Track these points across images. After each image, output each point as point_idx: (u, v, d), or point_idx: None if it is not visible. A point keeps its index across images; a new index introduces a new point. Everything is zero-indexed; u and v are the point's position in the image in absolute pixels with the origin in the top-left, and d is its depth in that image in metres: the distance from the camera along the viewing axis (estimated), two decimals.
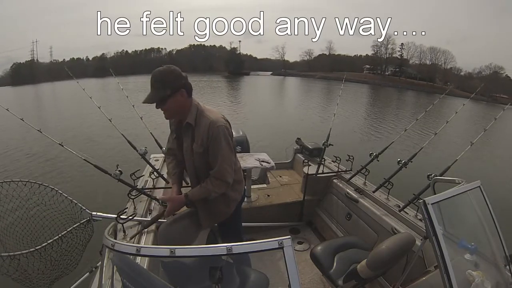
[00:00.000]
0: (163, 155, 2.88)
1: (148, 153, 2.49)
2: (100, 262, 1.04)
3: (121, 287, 0.96)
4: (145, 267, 1.24)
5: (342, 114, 12.63)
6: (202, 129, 1.43)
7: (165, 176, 2.45)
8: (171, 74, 1.37)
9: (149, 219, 1.86)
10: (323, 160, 2.84)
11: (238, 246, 0.80)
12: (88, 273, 1.87)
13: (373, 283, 1.90)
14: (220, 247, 0.79)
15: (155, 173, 2.36)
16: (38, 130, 2.01)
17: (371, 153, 2.58)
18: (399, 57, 53.35)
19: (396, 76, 51.39)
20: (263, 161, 2.68)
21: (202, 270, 0.93)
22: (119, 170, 1.88)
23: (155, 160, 2.80)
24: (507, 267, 1.33)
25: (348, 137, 9.47)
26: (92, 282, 1.30)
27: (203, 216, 1.61)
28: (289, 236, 0.80)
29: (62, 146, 1.98)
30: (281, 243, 0.79)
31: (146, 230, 1.77)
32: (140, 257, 1.16)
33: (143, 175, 2.45)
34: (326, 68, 54.77)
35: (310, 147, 3.26)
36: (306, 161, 2.94)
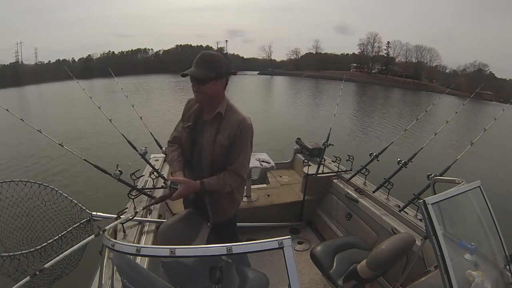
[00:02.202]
0: (163, 155, 2.88)
1: (148, 153, 2.49)
2: (100, 262, 1.04)
3: (121, 287, 0.96)
4: (145, 267, 1.24)
5: (340, 113, 12.61)
6: (232, 123, 1.43)
7: (165, 176, 2.45)
8: (221, 60, 1.39)
9: (149, 219, 1.86)
10: (323, 160, 2.84)
11: (238, 246, 0.79)
12: None
13: (373, 283, 1.90)
14: (220, 247, 0.78)
15: (155, 173, 2.36)
16: (38, 131, 2.01)
17: (371, 153, 2.58)
18: (385, 55, 53.80)
19: (382, 74, 51.58)
20: (263, 161, 2.68)
21: (202, 270, 0.93)
22: (119, 170, 1.88)
23: (155, 160, 2.80)
24: (507, 267, 1.33)
25: (346, 136, 9.47)
26: (92, 282, 1.29)
27: (210, 212, 1.59)
28: (289, 236, 0.80)
29: (62, 146, 1.98)
30: (281, 243, 0.79)
31: (146, 230, 1.77)
32: (140, 257, 1.16)
33: (143, 175, 2.45)
34: (313, 67, 54.90)
35: (310, 147, 3.26)
36: (306, 161, 2.94)
